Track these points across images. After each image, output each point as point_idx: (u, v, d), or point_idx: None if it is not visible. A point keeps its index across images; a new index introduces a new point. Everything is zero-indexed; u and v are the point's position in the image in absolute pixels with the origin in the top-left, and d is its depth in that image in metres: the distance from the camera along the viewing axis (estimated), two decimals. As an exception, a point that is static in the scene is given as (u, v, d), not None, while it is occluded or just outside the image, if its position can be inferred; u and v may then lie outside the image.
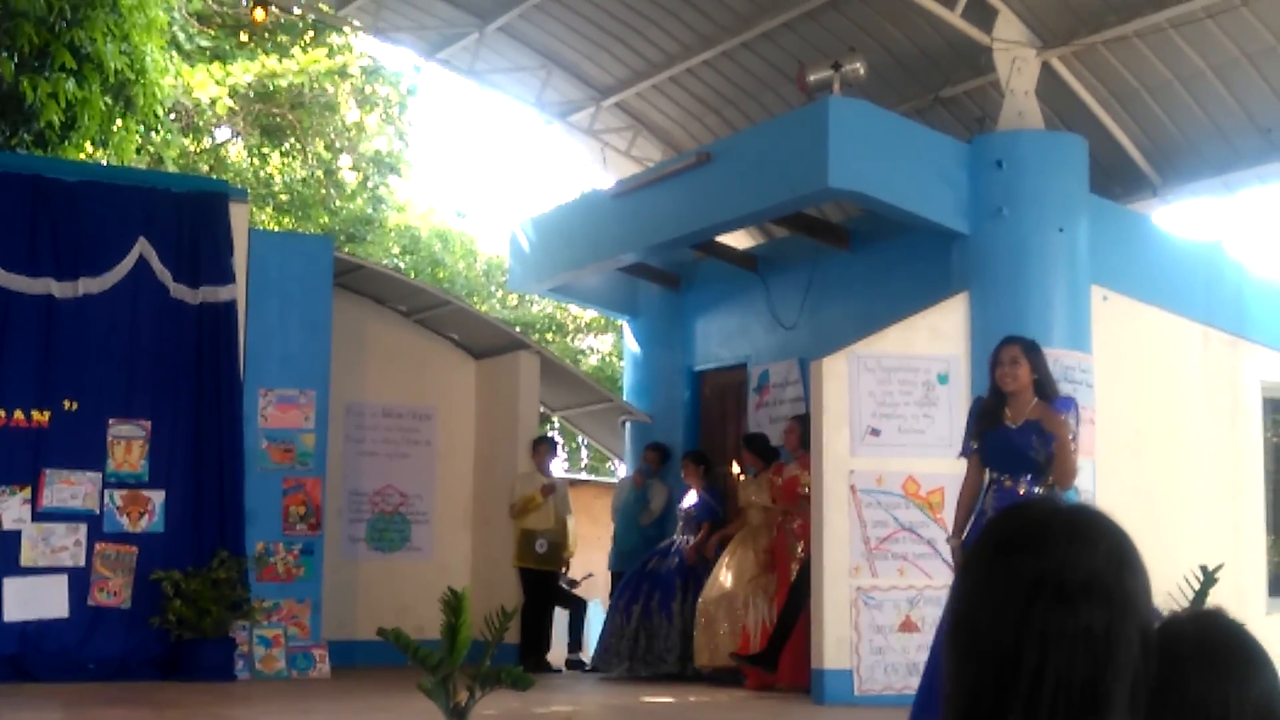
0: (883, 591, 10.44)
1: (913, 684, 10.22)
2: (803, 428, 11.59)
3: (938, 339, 10.94)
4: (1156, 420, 11.56)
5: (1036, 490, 7.22)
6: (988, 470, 7.35)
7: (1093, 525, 1.71)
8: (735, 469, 13.20)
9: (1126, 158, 12.79)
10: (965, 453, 7.52)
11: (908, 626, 10.42)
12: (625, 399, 15.53)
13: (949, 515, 10.50)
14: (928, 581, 10.48)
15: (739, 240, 14.59)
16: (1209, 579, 8.74)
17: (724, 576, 11.95)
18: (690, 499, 13.05)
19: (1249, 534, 11.84)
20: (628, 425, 15.31)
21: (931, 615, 10.42)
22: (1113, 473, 10.76)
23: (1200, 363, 11.88)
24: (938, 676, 6.90)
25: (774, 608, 11.42)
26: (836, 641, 10.28)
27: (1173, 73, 12.09)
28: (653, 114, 15.85)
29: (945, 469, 10.61)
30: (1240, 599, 10.39)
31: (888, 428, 10.68)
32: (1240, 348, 12.04)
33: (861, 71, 11.69)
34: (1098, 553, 1.68)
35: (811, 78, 11.81)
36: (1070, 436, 7.22)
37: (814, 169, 10.95)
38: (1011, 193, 10.93)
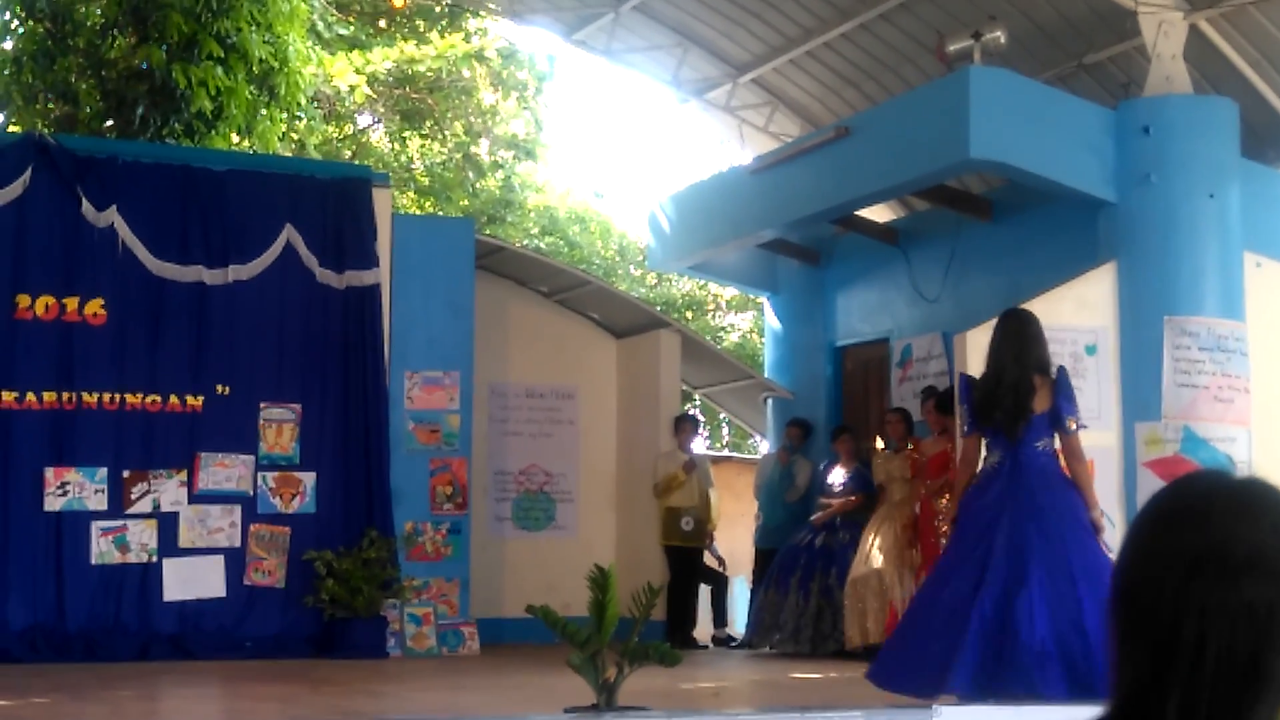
0: (1031, 566, 10.28)
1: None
2: (938, 401, 11.50)
3: (1084, 310, 10.75)
4: (1313, 389, 11.26)
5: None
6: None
7: (1259, 498, 1.66)
8: (879, 444, 13.10)
9: (1279, 120, 12.45)
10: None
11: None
12: (766, 375, 15.49)
13: (1100, 488, 10.36)
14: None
15: (879, 214, 14.46)
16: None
17: (869, 554, 11.88)
18: (838, 474, 12.97)
19: None
20: (769, 402, 15.28)
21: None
22: (1268, 442, 10.51)
23: (1359, 329, 11.54)
24: (914, 625, 7.32)
25: (920, 584, 11.31)
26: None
27: (1327, 31, 11.75)
28: (790, 89, 15.76)
29: (1095, 441, 10.43)
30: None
31: (1035, 400, 10.51)
32: (1401, 313, 11.67)
33: (1002, 40, 11.52)
34: (1262, 526, 1.63)
35: (951, 48, 11.66)
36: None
37: (955, 140, 10.82)
38: (1160, 159, 10.71)
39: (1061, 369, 7.85)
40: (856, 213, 13.40)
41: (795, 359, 15.05)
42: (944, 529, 11.10)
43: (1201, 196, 10.73)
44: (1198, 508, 1.65)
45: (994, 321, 10.58)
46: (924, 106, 11.50)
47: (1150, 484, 9.98)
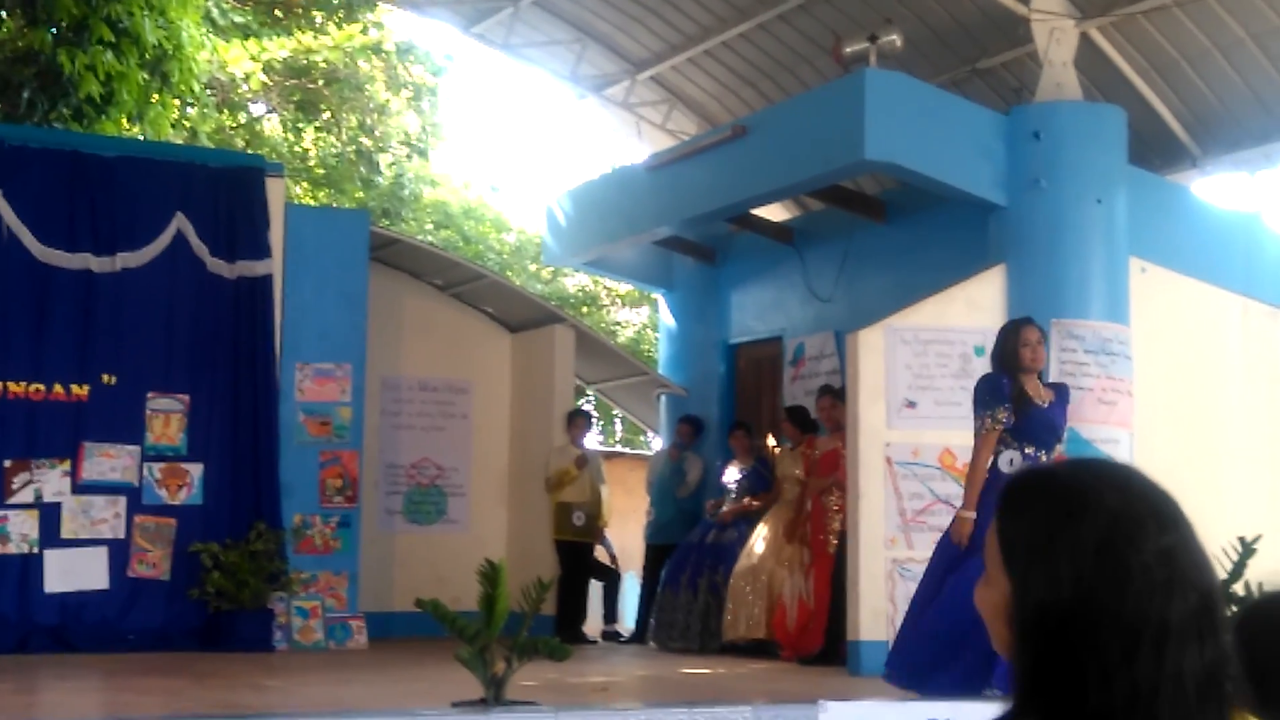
0: (919, 564, 10.37)
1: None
2: (836, 400, 11.59)
3: (974, 311, 10.89)
4: (1195, 392, 11.50)
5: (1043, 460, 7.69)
6: (1011, 447, 7.69)
7: (1167, 501, 1.66)
8: (771, 442, 13.19)
9: (1165, 128, 12.70)
10: (990, 429, 7.83)
11: (944, 599, 10.38)
12: (660, 372, 15.54)
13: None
14: (964, 554, 10.46)
15: (774, 213, 14.55)
16: (1247, 550, 8.68)
17: (757, 550, 11.95)
18: (733, 472, 13.03)
19: (1288, 506, 11.77)
20: (663, 398, 15.32)
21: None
22: (1150, 445, 10.71)
23: (1239, 334, 11.80)
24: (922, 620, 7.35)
25: (809, 580, 11.41)
26: (872, 613, 10.28)
27: (1212, 42, 11.99)
28: (688, 87, 15.82)
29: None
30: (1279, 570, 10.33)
31: (924, 400, 10.65)
32: (1280, 319, 11.96)
33: (898, 43, 11.64)
34: (1184, 530, 1.64)
35: (847, 50, 11.76)
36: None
37: (850, 141, 10.91)
38: (1049, 164, 10.87)
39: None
40: (752, 211, 13.47)
41: (689, 356, 15.10)
42: (834, 526, 11.20)
43: (1089, 202, 10.90)
44: (1126, 529, 1.62)
45: (884, 321, 10.75)
46: (820, 107, 11.58)
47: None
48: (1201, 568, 1.62)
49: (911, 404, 10.63)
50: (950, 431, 10.63)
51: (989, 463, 7.86)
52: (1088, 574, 1.59)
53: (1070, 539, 1.62)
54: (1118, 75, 12.45)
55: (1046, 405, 7.94)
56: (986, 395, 7.97)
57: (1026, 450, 7.87)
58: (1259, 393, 11.82)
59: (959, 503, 10.54)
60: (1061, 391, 8.18)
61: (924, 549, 10.39)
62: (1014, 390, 7.89)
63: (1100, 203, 10.93)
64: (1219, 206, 12.56)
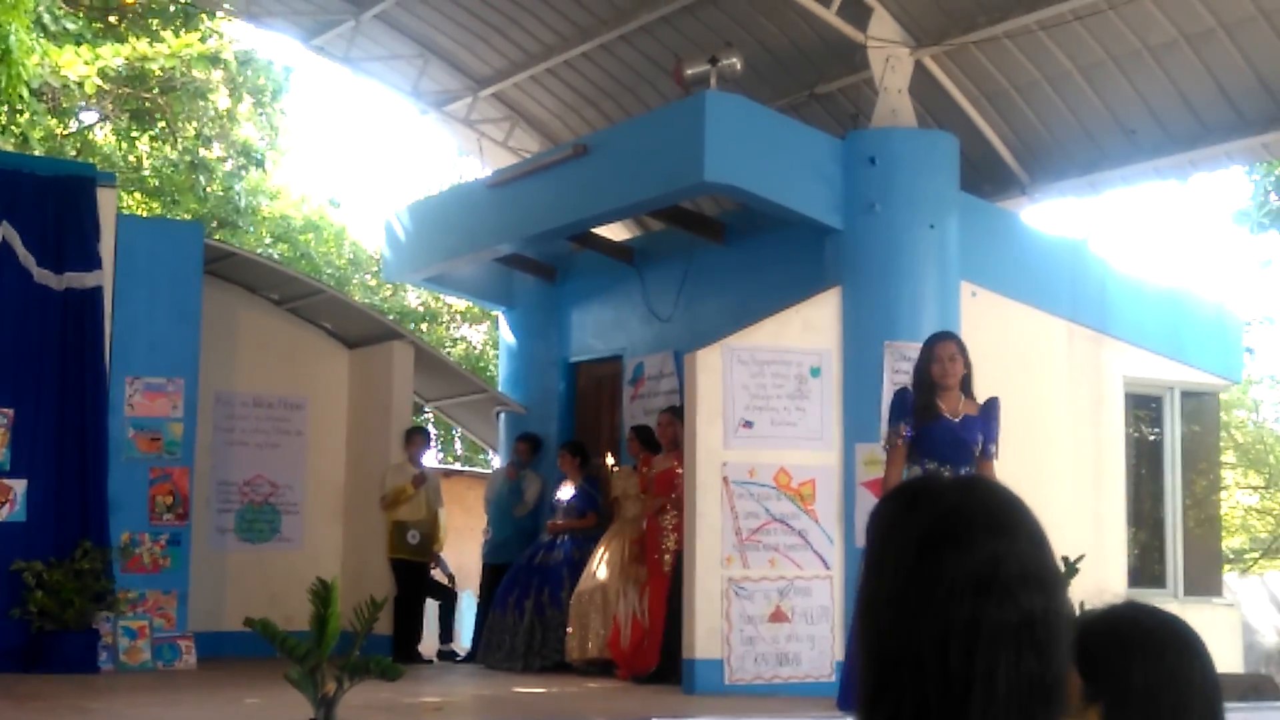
0: (754, 582, 10.52)
1: (783, 673, 10.35)
2: (674, 419, 11.67)
3: (810, 332, 11.04)
4: (1021, 414, 11.73)
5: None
6: (916, 462, 7.68)
7: (1010, 509, 1.66)
8: (610, 461, 13.23)
9: (996, 156, 13.01)
10: (891, 444, 7.81)
11: (778, 617, 10.51)
12: (500, 390, 15.50)
13: (820, 507, 10.66)
14: (798, 572, 10.59)
15: (615, 232, 14.61)
16: (1071, 569, 8.90)
17: (597, 570, 11.98)
18: (567, 490, 13.06)
19: (1110, 526, 12.11)
20: (502, 416, 15.28)
21: (802, 605, 10.54)
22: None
23: (1065, 357, 12.12)
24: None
25: (644, 599, 11.45)
26: (708, 631, 10.35)
27: (1041, 73, 12.32)
28: (530, 105, 15.82)
29: (817, 461, 10.75)
30: (1101, 589, 10.58)
31: (760, 420, 10.77)
32: (1104, 343, 12.30)
33: (738, 67, 11.78)
34: (1022, 538, 1.63)
35: (688, 72, 11.88)
36: (998, 435, 8.07)
37: (690, 163, 11.00)
38: (884, 189, 11.07)
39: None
40: (593, 230, 13.51)
41: (529, 374, 15.08)
42: (669, 545, 11.26)
43: (922, 227, 11.12)
44: (956, 528, 1.60)
45: (722, 341, 10.83)
46: (661, 128, 11.67)
47: (868, 503, 10.28)
48: (1032, 580, 1.60)
49: (748, 424, 10.73)
50: (786, 451, 10.77)
51: (899, 477, 7.79)
52: (907, 565, 1.59)
53: (901, 532, 1.62)
54: (951, 103, 12.72)
55: (959, 420, 7.87)
56: (890, 410, 8.09)
57: (928, 465, 7.78)
58: (1083, 415, 12.14)
59: (794, 522, 10.70)
60: (987, 407, 8.07)
61: (760, 567, 10.51)
62: (919, 404, 7.88)
63: (933, 228, 11.16)
64: (1047, 233, 12.89)
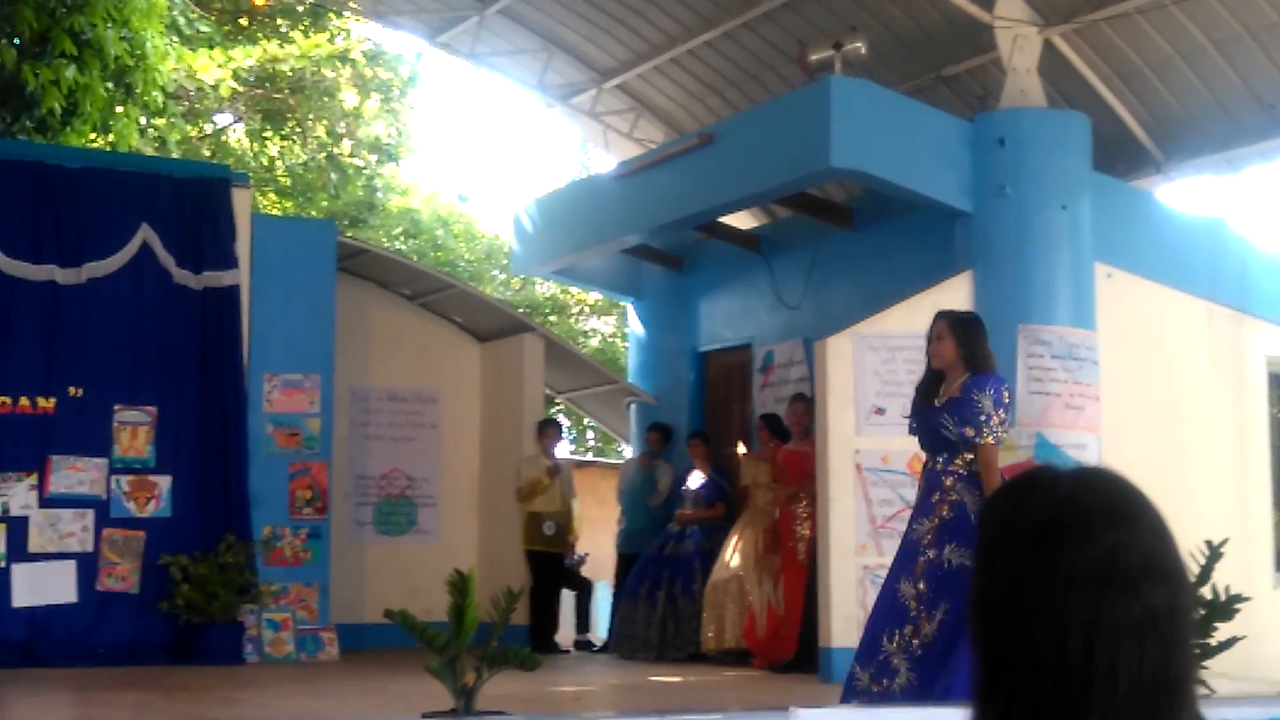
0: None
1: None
2: (806, 407, 11.65)
3: (942, 318, 10.90)
4: (1161, 396, 11.56)
5: (951, 469, 6.84)
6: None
7: (1130, 499, 1.61)
8: (741, 449, 13.22)
9: (1130, 135, 12.78)
10: (910, 431, 7.33)
11: (914, 605, 10.41)
12: (630, 380, 15.54)
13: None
14: (934, 559, 10.49)
15: (742, 221, 14.58)
16: (1215, 554, 8.74)
17: (730, 559, 11.98)
18: (696, 479, 13.09)
19: (1255, 509, 11.86)
20: (633, 407, 15.33)
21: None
22: (1118, 449, 10.76)
23: (1205, 338, 11.88)
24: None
25: (778, 588, 11.44)
26: (844, 620, 10.30)
27: (1175, 49, 12.08)
28: (654, 96, 15.84)
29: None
30: (1247, 574, 10.40)
31: (892, 406, 10.67)
32: (1245, 323, 12.04)
33: (863, 50, 11.68)
34: (1143, 529, 1.58)
35: (813, 57, 11.80)
36: (981, 415, 6.77)
37: (816, 149, 10.95)
38: (1014, 171, 10.92)
39: None
40: (719, 219, 13.50)
41: (658, 364, 15.11)
42: (803, 533, 11.23)
43: (1054, 208, 10.96)
44: (1073, 518, 1.57)
45: (852, 328, 10.76)
46: (786, 115, 11.62)
47: (1004, 489, 10.14)
48: (1155, 572, 1.56)
49: (880, 410, 10.66)
50: (919, 437, 10.66)
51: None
52: (1021, 559, 1.56)
53: (1014, 525, 1.59)
54: (1081, 82, 12.52)
55: (941, 405, 6.94)
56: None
57: (929, 459, 7.04)
58: (1224, 397, 11.90)
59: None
60: (965, 386, 6.91)
61: (894, 555, 10.42)
62: (916, 387, 7.23)
63: (1065, 209, 10.99)
64: (1183, 212, 12.64)
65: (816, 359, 11.07)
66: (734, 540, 12.06)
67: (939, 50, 12.89)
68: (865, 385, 10.69)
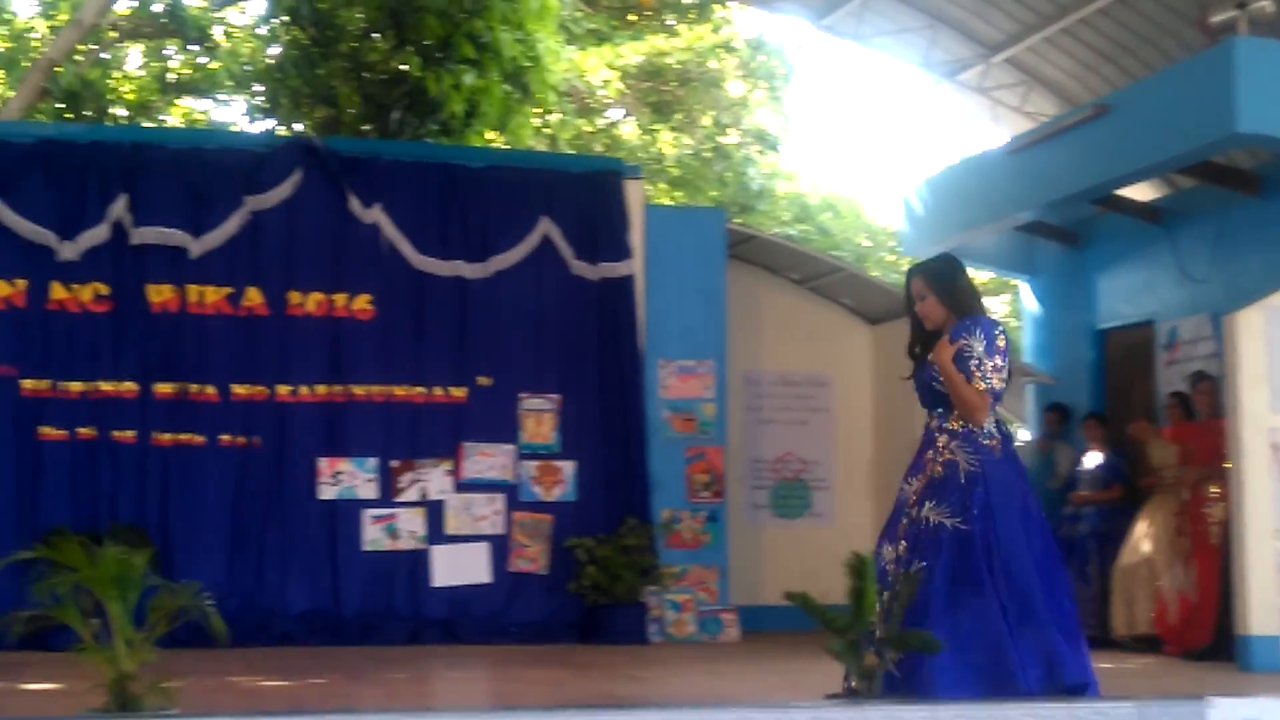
0: (1311, 554, 9.90)
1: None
2: (1211, 385, 11.19)
3: (1365, 287, 10.28)
4: None
5: (946, 425, 6.43)
6: None
7: None
8: (1148, 431, 12.74)
9: None
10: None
11: (1339, 591, 9.84)
12: (1025, 360, 15.20)
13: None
14: (1360, 543, 9.89)
15: (1140, 192, 14.06)
16: None
17: (1139, 543, 11.60)
18: (1093, 459, 12.72)
19: None
20: (1029, 387, 14.99)
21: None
22: None
23: None
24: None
25: (1190, 572, 11.01)
26: (1262, 606, 9.82)
27: None
28: (1045, 68, 15.45)
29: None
30: None
31: (1311, 382, 10.12)
32: None
33: (1269, 9, 11.10)
34: None
35: (1214, 19, 11.29)
36: (972, 360, 6.29)
37: (1220, 115, 10.47)
38: None
39: None
40: (1117, 192, 13.06)
41: (1055, 343, 14.73)
42: (1215, 515, 10.77)
43: None
44: None
45: (1264, 300, 10.23)
46: (1186, 81, 11.15)
47: None
48: None
49: (1297, 386, 10.10)
50: (1341, 414, 10.07)
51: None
52: None
53: None
54: None
55: (933, 358, 6.50)
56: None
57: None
58: None
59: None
60: (952, 332, 6.44)
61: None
62: (911, 349, 6.81)
63: None
64: None
65: (1225, 334, 10.57)
66: (1143, 524, 11.67)
67: (1355, 2, 12.12)
68: (1279, 360, 10.15)
